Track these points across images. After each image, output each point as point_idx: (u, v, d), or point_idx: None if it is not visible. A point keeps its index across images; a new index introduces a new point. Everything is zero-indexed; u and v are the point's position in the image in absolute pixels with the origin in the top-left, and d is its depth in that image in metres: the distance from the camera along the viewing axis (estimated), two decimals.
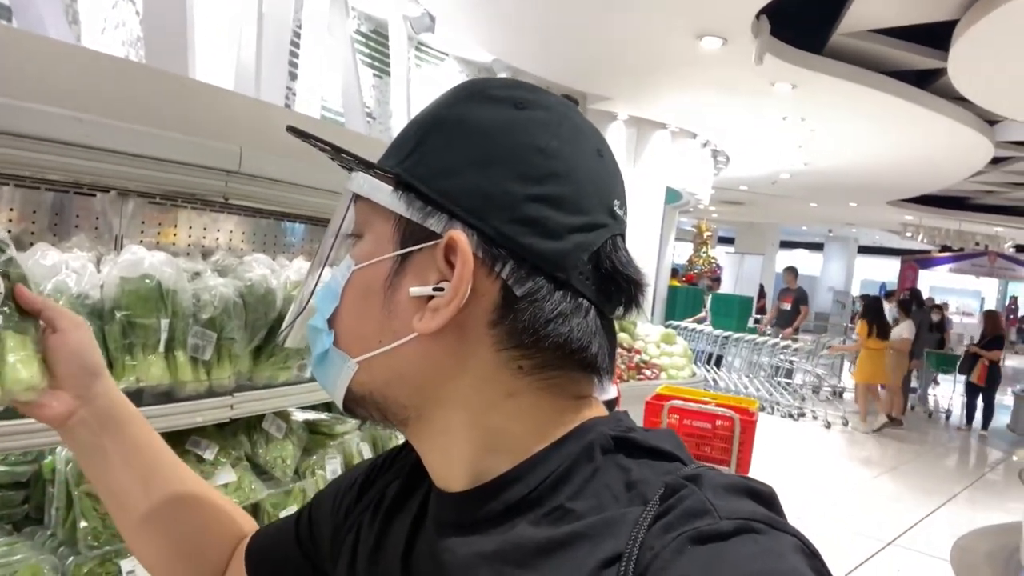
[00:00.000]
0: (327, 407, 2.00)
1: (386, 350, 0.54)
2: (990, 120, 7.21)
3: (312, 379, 1.67)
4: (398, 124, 5.94)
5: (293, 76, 5.22)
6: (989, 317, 9.77)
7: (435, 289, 0.51)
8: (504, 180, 0.52)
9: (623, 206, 0.57)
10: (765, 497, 0.48)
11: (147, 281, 1.32)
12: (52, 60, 1.49)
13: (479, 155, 0.52)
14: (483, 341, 0.52)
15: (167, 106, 1.51)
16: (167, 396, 1.36)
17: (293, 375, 1.64)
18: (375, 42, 6.18)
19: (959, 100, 6.37)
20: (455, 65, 6.76)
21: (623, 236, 0.57)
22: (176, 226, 1.72)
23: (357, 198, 0.58)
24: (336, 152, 0.56)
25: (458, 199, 0.52)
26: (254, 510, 1.59)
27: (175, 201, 1.69)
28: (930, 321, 10.28)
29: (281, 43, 4.47)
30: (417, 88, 6.19)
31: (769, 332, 10.61)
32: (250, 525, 0.85)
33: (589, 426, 0.55)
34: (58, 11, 2.45)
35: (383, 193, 0.55)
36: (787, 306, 10.92)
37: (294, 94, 5.33)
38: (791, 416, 8.83)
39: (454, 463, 0.56)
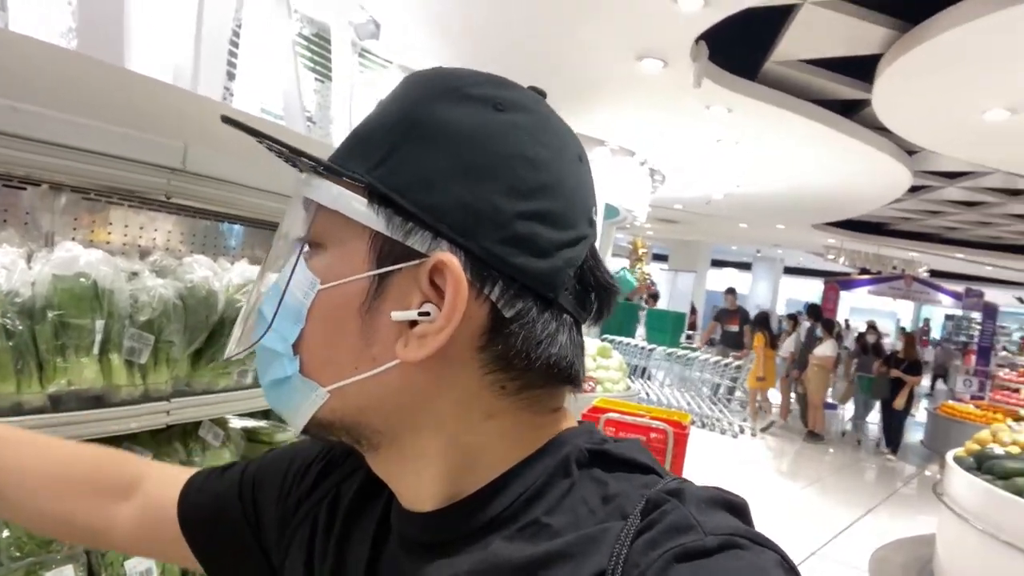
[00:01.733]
0: (265, 415, 1.95)
1: (362, 378, 0.50)
2: (909, 150, 7.60)
3: (254, 386, 1.63)
4: (339, 130, 5.87)
5: (231, 76, 5.10)
6: (908, 340, 9.81)
7: (420, 314, 0.48)
8: (493, 195, 0.48)
9: (596, 212, 0.55)
10: (740, 509, 0.48)
11: (82, 280, 1.26)
12: None
13: (464, 166, 0.48)
14: (469, 365, 0.50)
15: (106, 98, 1.45)
16: (100, 400, 1.30)
17: (233, 381, 1.59)
18: (317, 46, 6.10)
19: (881, 130, 6.70)
20: (399, 73, 6.73)
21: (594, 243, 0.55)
22: (110, 224, 1.66)
23: (319, 207, 0.52)
24: (295, 155, 0.50)
25: (444, 216, 0.48)
26: None
27: (110, 198, 1.62)
28: (865, 343, 10.38)
29: (220, 41, 4.37)
30: (360, 94, 6.14)
31: (711, 351, 10.73)
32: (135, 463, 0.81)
33: (564, 439, 0.53)
34: None
35: (356, 205, 0.50)
36: (734, 327, 11.00)
37: (232, 94, 5.22)
38: (720, 431, 9.05)
39: (426, 485, 0.53)
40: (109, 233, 1.65)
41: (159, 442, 1.53)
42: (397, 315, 0.49)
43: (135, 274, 1.43)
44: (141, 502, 0.76)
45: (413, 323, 0.49)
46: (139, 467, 0.80)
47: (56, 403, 1.23)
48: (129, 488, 0.76)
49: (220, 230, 2.08)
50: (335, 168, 0.51)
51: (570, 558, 0.47)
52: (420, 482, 0.53)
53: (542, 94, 0.56)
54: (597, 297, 0.54)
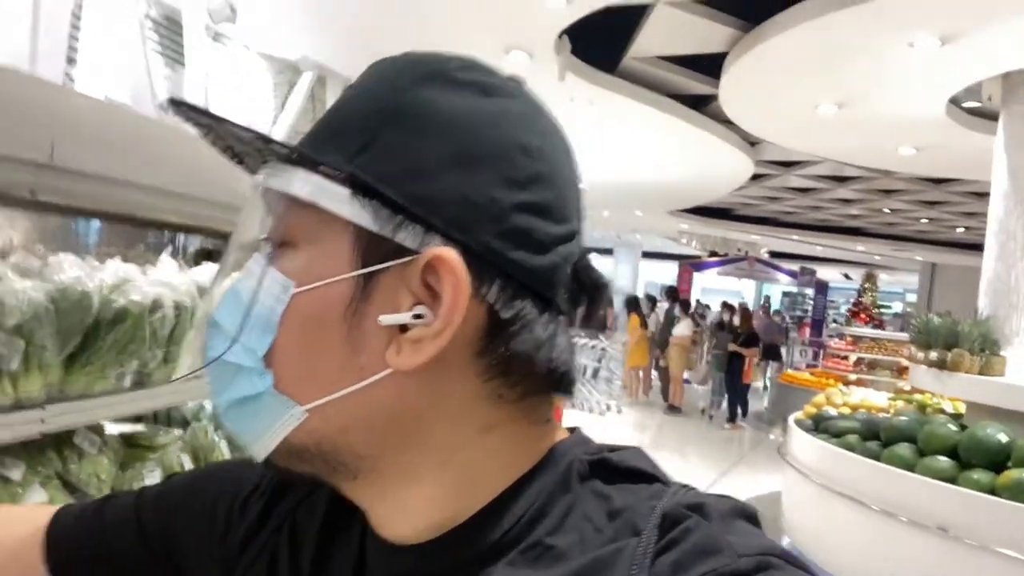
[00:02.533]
0: (140, 419, 1.87)
1: (348, 392, 0.44)
2: (751, 141, 8.23)
3: (133, 389, 1.57)
4: None
5: (72, 60, 4.73)
6: (744, 315, 10.28)
7: (413, 316, 0.44)
8: (490, 185, 0.44)
9: (584, 207, 0.52)
10: (756, 518, 0.46)
11: None
12: None
13: (457, 153, 0.44)
14: (465, 372, 0.46)
15: None
16: None
17: (111, 384, 1.52)
18: (168, 30, 5.75)
19: (727, 123, 7.22)
20: (258, 59, 6.47)
21: None
22: None
23: (289, 202, 0.46)
24: (264, 141, 0.46)
25: (437, 208, 0.43)
26: None
27: None
28: (721, 322, 10.86)
29: (60, 23, 4.04)
30: (216, 80, 5.86)
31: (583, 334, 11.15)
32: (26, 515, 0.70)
33: (561, 450, 0.50)
34: None
35: (337, 198, 0.44)
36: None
37: (72, 80, 4.84)
38: (589, 409, 9.45)
39: (415, 514, 0.47)
40: None
41: (31, 452, 1.45)
42: (387, 319, 0.44)
43: None
44: None
45: (403, 328, 0.44)
46: None
47: None
48: None
49: (78, 227, 1.97)
50: (310, 156, 0.45)
51: None
52: (409, 510, 0.48)
53: (520, 82, 0.52)
54: (589, 296, 0.52)
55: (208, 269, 1.83)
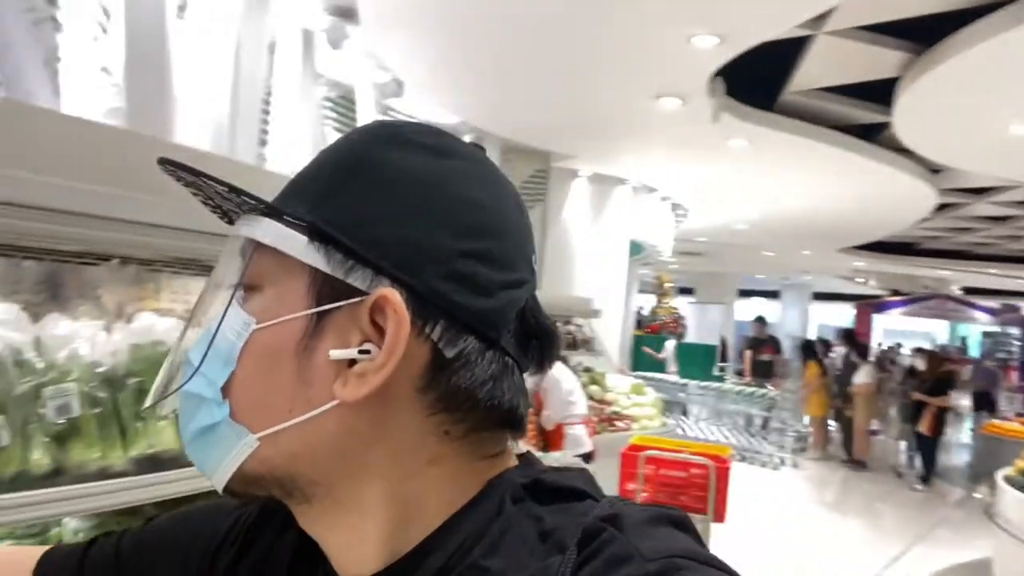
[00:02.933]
0: None
1: (298, 422, 0.48)
2: (934, 169, 7.59)
3: None
4: None
5: (263, 142, 5.29)
6: (931, 359, 9.18)
7: (360, 352, 0.47)
8: (437, 233, 0.48)
9: (536, 259, 0.56)
10: (680, 522, 0.47)
11: (158, 347, 1.34)
12: (44, 129, 1.50)
13: (406, 205, 0.49)
14: (410, 407, 0.49)
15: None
16: (175, 462, 1.37)
17: None
18: (343, 107, 6.29)
19: (903, 151, 6.71)
20: None
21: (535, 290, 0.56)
22: (174, 292, 1.74)
23: (258, 246, 0.50)
24: (236, 193, 0.49)
25: (385, 253, 0.48)
26: None
27: (173, 267, 1.71)
28: (910, 368, 9.93)
29: (253, 108, 4.56)
30: None
31: (751, 382, 10.57)
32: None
33: (502, 479, 0.52)
34: (45, 84, 2.48)
35: (295, 243, 0.49)
36: (766, 356, 10.97)
37: (264, 159, 5.40)
38: (761, 463, 8.91)
39: (366, 543, 0.50)
40: (172, 300, 1.73)
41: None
42: (336, 353, 0.47)
43: None
44: None
45: (352, 363, 0.48)
46: None
47: (137, 466, 1.29)
48: None
49: None
50: (275, 208, 0.50)
51: None
52: (358, 540, 0.51)
53: (481, 149, 0.57)
54: (539, 342, 0.55)
55: None
